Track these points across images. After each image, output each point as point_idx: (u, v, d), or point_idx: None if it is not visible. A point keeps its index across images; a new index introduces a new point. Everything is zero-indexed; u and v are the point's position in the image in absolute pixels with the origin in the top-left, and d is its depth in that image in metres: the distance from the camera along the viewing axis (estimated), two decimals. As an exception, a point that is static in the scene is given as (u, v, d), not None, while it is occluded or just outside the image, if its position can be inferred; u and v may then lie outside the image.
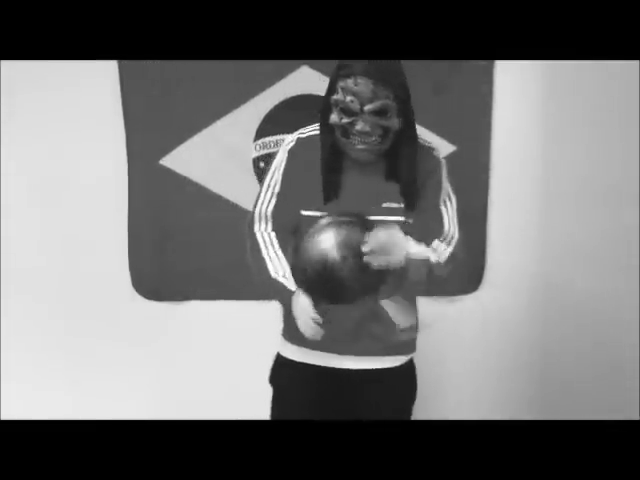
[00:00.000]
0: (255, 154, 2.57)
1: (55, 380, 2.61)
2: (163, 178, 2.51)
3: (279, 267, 1.69)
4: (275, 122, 2.53)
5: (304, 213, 1.70)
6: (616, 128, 2.54)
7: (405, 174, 1.67)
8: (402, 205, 1.69)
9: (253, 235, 1.74)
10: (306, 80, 2.46)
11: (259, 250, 1.71)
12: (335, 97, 1.60)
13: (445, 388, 2.64)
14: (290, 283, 1.66)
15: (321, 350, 1.73)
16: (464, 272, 2.58)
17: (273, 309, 2.56)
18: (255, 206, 1.76)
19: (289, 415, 1.75)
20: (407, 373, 1.82)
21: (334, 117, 1.61)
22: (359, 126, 1.58)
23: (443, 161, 1.74)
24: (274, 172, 1.75)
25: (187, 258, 2.55)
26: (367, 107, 1.56)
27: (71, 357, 2.59)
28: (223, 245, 2.49)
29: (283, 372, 1.80)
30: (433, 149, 1.74)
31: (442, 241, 1.70)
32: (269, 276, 1.68)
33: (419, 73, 2.41)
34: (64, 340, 2.59)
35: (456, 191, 2.53)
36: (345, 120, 1.59)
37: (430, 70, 2.39)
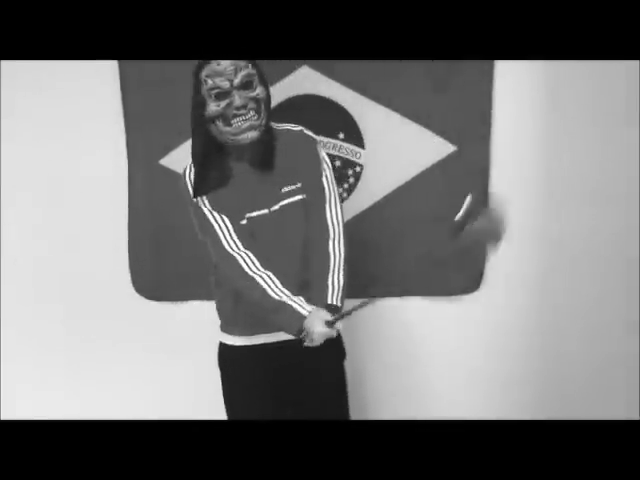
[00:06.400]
0: (255, 154, 2.57)
1: (55, 380, 2.61)
2: (163, 178, 2.51)
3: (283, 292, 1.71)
4: (275, 122, 2.53)
5: (248, 215, 1.77)
6: (616, 128, 2.53)
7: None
8: (298, 185, 1.76)
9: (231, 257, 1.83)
10: (306, 80, 2.46)
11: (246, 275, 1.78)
12: (205, 88, 1.66)
13: (444, 387, 2.64)
14: (302, 306, 1.67)
15: (252, 334, 1.84)
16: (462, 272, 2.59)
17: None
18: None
19: (238, 394, 1.86)
20: None
21: (212, 107, 1.67)
22: (237, 101, 1.64)
23: (317, 139, 1.85)
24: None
25: (187, 258, 2.55)
26: (235, 81, 1.63)
27: (71, 357, 2.59)
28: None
29: (226, 355, 1.92)
30: (303, 129, 1.83)
31: (332, 249, 1.77)
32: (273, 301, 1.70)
33: (419, 73, 2.43)
34: (64, 340, 2.59)
35: (456, 191, 2.54)
36: (223, 103, 1.65)
37: (430, 70, 2.39)
